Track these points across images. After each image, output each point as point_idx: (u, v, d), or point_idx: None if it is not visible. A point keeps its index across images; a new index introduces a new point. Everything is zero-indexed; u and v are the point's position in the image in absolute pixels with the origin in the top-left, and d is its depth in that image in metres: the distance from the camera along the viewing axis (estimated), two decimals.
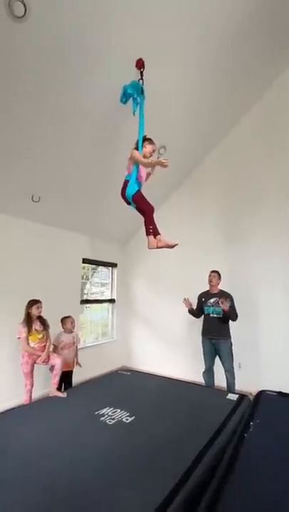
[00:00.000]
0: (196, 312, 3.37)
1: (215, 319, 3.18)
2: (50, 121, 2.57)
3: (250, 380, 3.39)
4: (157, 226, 2.09)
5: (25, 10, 1.83)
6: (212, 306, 3.21)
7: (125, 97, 2.28)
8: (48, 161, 2.92)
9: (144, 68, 2.46)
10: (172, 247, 2.02)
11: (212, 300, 3.23)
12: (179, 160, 3.93)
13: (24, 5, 1.81)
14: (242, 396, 2.31)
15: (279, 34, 2.98)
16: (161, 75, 2.64)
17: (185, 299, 3.34)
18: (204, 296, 3.33)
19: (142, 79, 2.41)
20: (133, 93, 2.24)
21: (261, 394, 2.17)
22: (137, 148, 2.19)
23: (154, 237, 2.04)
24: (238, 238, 3.88)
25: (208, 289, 3.36)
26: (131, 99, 2.29)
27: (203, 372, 3.27)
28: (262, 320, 3.60)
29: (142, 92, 2.36)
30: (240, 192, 3.92)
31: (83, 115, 2.70)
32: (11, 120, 2.41)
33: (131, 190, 2.10)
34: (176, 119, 3.28)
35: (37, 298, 2.86)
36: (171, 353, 4.34)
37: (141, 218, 2.15)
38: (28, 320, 2.75)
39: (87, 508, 1.14)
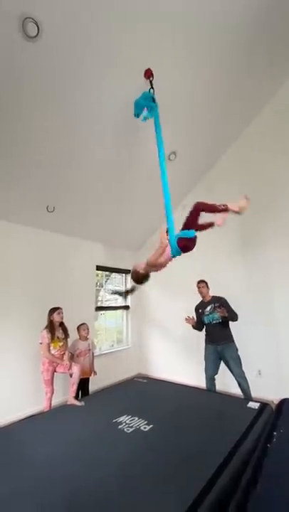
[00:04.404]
0: (197, 326, 3.30)
1: (215, 326, 3.12)
2: (61, 131, 2.65)
3: (271, 388, 3.26)
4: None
5: (38, 30, 1.92)
6: (209, 313, 3.16)
7: (138, 109, 2.32)
8: (61, 172, 3.00)
9: (153, 77, 2.51)
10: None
11: (208, 308, 3.19)
12: (192, 164, 3.94)
13: (37, 25, 1.90)
14: (264, 404, 2.22)
15: None
16: (169, 80, 2.67)
17: (187, 318, 3.27)
18: (200, 307, 3.29)
19: (152, 88, 2.46)
20: (146, 104, 2.28)
21: (284, 402, 2.09)
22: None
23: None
24: (255, 241, 3.79)
25: (201, 299, 3.31)
26: (144, 111, 2.30)
27: (206, 379, 3.15)
28: (282, 326, 3.48)
29: (154, 100, 2.40)
30: (255, 193, 3.84)
31: (95, 123, 2.76)
32: (25, 134, 2.50)
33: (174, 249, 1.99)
34: (186, 123, 3.29)
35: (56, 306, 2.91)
36: (186, 359, 4.26)
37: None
38: (51, 327, 2.80)
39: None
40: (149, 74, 2.50)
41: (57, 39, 2.03)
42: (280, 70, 3.44)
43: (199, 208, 2.05)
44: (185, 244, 1.96)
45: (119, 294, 2.00)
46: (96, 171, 3.24)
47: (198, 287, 3.29)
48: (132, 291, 2.37)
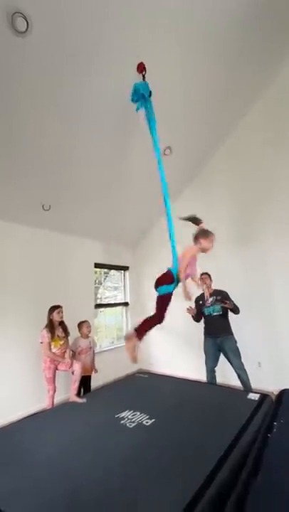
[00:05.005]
0: (196, 317, 3.32)
1: (216, 318, 3.14)
2: (56, 129, 2.62)
3: (271, 380, 3.30)
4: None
5: (28, 25, 1.88)
6: (211, 305, 3.18)
7: (136, 95, 2.27)
8: (56, 169, 2.97)
9: (145, 71, 2.48)
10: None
11: (210, 300, 3.21)
12: (188, 157, 3.91)
13: (26, 20, 1.86)
14: (264, 396, 2.25)
15: (285, 17, 2.89)
16: (162, 73, 2.64)
17: (188, 308, 3.28)
18: (201, 299, 3.30)
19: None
20: (144, 94, 2.23)
21: (284, 393, 2.11)
22: (199, 238, 1.87)
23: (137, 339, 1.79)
24: (252, 233, 3.80)
25: (202, 292, 3.30)
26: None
27: (207, 372, 3.19)
28: (281, 318, 3.50)
29: (150, 95, 2.36)
30: (253, 185, 3.84)
31: (90, 120, 2.72)
32: (17, 131, 2.47)
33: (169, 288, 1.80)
34: (180, 117, 3.26)
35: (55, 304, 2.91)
36: (186, 353, 4.29)
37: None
38: (51, 326, 2.81)
39: (112, 508, 1.13)
40: (141, 68, 2.46)
41: (47, 34, 1.99)
42: (275, 59, 3.40)
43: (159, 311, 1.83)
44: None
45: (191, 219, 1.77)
46: (92, 168, 3.22)
47: (202, 279, 3.25)
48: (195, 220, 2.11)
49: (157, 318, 1.81)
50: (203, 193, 4.34)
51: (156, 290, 1.86)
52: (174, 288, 1.83)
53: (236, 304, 3.10)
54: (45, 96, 2.34)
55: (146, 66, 2.41)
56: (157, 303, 1.83)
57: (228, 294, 3.19)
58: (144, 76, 2.47)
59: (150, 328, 1.82)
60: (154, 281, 1.89)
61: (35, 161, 2.77)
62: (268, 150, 3.72)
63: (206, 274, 3.33)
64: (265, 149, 3.74)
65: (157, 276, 1.90)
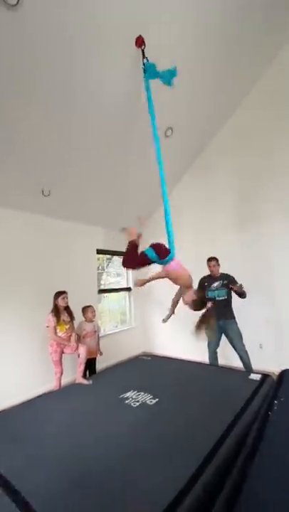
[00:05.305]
0: None
1: (220, 302, 3.13)
2: (55, 111, 2.53)
3: (271, 360, 3.36)
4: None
5: None
6: (216, 289, 3.18)
7: (151, 74, 2.25)
8: (55, 154, 2.91)
9: (144, 46, 2.36)
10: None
11: (215, 284, 3.19)
12: (189, 139, 3.80)
13: None
14: (265, 376, 2.30)
15: None
16: (161, 50, 2.51)
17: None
18: (207, 281, 3.27)
19: (144, 57, 2.33)
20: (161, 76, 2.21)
21: (285, 373, 2.15)
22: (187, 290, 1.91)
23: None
24: (253, 214, 3.75)
25: (209, 273, 3.30)
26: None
27: (209, 354, 3.25)
28: (282, 299, 3.52)
29: (145, 71, 2.28)
30: (254, 167, 3.75)
31: (91, 104, 2.63)
32: (15, 114, 2.39)
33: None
34: (181, 97, 3.14)
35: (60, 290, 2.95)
36: (188, 336, 4.34)
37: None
38: (56, 311, 2.86)
39: (117, 480, 1.19)
40: (140, 42, 2.34)
41: (39, 6, 1.88)
42: (278, 36, 3.23)
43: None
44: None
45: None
46: (92, 153, 3.14)
47: (209, 266, 3.23)
48: None
49: (129, 258, 1.94)
50: (204, 175, 4.25)
51: (149, 246, 1.93)
52: (156, 262, 1.90)
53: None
54: (44, 78, 2.24)
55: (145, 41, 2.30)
56: (135, 251, 1.92)
57: (235, 278, 3.17)
58: (143, 51, 2.36)
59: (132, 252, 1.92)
60: (154, 242, 1.94)
61: (33, 144, 2.69)
62: (270, 126, 3.60)
63: (214, 259, 3.26)
64: (266, 128, 3.63)
65: (160, 242, 1.95)
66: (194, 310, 1.91)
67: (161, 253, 1.88)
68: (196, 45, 2.72)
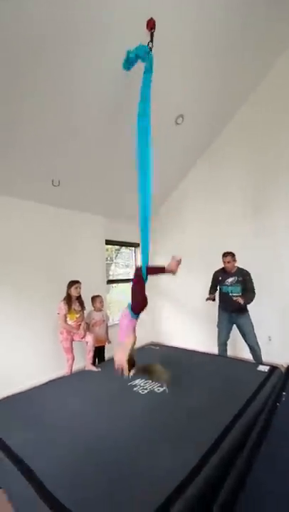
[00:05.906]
0: (211, 290, 3.32)
1: (234, 297, 3.08)
2: (63, 102, 2.50)
3: (281, 354, 3.35)
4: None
5: None
6: (230, 285, 3.12)
7: (128, 63, 2.18)
8: (65, 143, 2.89)
9: (154, 29, 2.27)
10: None
11: (230, 279, 3.13)
12: (198, 130, 3.70)
13: None
14: (273, 367, 2.29)
15: None
16: (173, 37, 2.43)
17: (208, 298, 3.31)
18: (221, 275, 3.22)
19: (151, 41, 2.25)
20: (137, 56, 2.14)
21: None
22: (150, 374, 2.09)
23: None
24: (264, 206, 3.67)
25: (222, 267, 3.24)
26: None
27: (219, 345, 3.25)
28: None
29: (150, 51, 2.22)
30: (265, 159, 3.64)
31: (100, 94, 2.59)
32: (25, 103, 2.38)
33: None
34: (194, 84, 3.04)
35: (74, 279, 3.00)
36: (197, 327, 4.38)
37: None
38: (69, 299, 2.92)
39: (123, 464, 1.23)
40: (151, 25, 2.26)
41: None
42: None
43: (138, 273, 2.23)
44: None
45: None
46: (101, 143, 3.10)
47: (224, 261, 3.12)
48: None
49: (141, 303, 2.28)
50: (213, 170, 4.15)
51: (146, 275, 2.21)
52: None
53: (254, 288, 3.04)
54: (51, 66, 2.20)
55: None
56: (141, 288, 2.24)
57: (251, 274, 3.10)
58: (152, 34, 2.28)
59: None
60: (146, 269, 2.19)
61: (43, 134, 2.68)
62: (281, 118, 3.46)
63: (230, 254, 3.13)
64: (278, 118, 3.50)
65: (149, 265, 2.21)
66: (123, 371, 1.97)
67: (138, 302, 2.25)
68: (200, 40, 2.61)
